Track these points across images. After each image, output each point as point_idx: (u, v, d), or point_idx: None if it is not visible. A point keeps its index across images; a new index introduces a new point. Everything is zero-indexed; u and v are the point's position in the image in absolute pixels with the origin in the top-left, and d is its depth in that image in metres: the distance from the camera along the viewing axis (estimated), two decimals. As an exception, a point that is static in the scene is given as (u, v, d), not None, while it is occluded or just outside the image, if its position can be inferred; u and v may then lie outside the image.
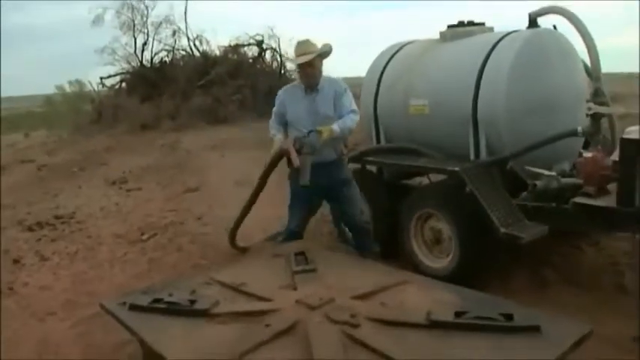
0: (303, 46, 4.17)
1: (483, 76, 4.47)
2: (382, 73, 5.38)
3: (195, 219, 6.85)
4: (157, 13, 19.97)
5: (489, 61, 4.48)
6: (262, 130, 13.34)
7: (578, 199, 4.04)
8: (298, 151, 3.99)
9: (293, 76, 18.61)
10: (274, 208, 6.72)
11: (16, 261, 5.73)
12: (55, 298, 4.79)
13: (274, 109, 4.49)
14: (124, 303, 3.16)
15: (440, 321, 2.66)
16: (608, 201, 3.95)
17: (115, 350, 3.72)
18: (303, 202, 4.55)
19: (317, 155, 4.07)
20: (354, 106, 4.22)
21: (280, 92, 4.51)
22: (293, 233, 4.45)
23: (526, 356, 2.40)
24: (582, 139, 4.63)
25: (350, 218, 4.52)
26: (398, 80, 5.16)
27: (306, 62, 4.11)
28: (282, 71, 18.53)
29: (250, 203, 4.98)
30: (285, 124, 4.39)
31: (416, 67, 5.07)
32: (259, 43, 18.26)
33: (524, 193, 4.46)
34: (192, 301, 3.04)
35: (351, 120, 4.15)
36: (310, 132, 4.06)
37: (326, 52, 4.25)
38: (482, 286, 3.55)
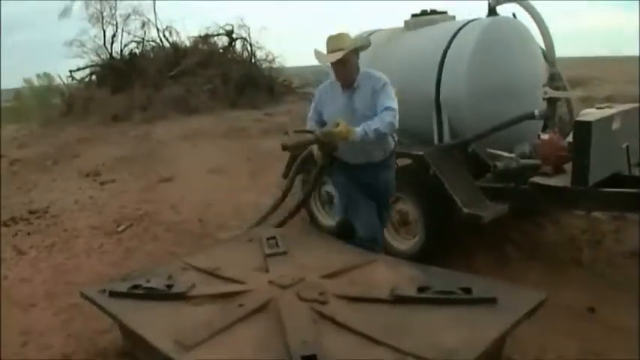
0: (333, 42, 3.72)
1: (445, 63, 4.66)
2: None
3: (169, 208, 6.93)
4: (125, 4, 19.79)
5: (451, 49, 4.67)
6: (233, 119, 13.56)
7: (536, 179, 4.25)
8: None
9: (264, 65, 18.69)
10: (249, 196, 6.91)
11: (-7, 256, 5.76)
12: (35, 289, 4.85)
13: (312, 104, 4.09)
14: (104, 290, 3.29)
15: (403, 296, 2.85)
16: (563, 180, 4.16)
17: (96, 337, 3.83)
18: (360, 204, 3.99)
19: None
20: (391, 103, 3.64)
21: (319, 88, 4.09)
22: (368, 241, 3.92)
23: (483, 325, 2.59)
24: (542, 122, 4.84)
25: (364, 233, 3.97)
26: (363, 65, 5.30)
27: (337, 60, 3.67)
28: (253, 60, 18.53)
29: (303, 202, 4.96)
30: (323, 123, 3.91)
31: (381, 56, 5.20)
32: (229, 33, 18.23)
33: (489, 174, 4.68)
34: (170, 286, 3.19)
35: (381, 120, 3.57)
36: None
37: (362, 46, 3.87)
38: (447, 265, 3.71)
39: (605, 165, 4.08)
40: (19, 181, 9.38)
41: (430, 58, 4.75)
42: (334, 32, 3.77)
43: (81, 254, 5.68)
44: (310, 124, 4.00)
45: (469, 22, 4.84)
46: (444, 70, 4.65)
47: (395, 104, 3.67)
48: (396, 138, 4.02)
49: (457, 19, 5.29)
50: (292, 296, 2.88)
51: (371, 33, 5.61)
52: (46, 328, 4.10)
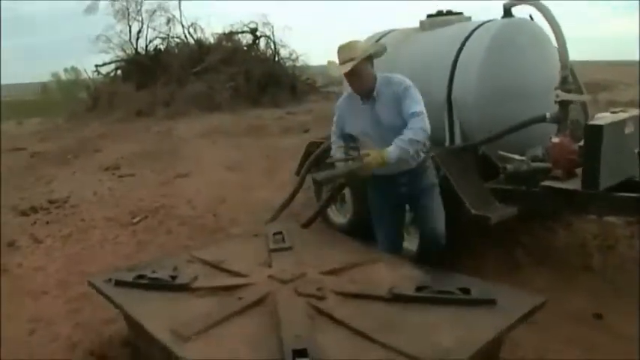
0: (343, 53, 3.46)
1: (458, 64, 4.65)
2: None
3: (185, 203, 7.02)
4: (150, 0, 20.08)
5: (464, 50, 4.66)
6: (255, 117, 13.67)
7: (547, 182, 4.21)
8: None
9: (287, 64, 18.77)
10: (264, 192, 6.97)
11: (10, 244, 5.89)
12: (48, 278, 4.97)
13: (334, 118, 3.82)
14: (110, 280, 3.35)
15: (401, 294, 2.85)
16: (574, 184, 4.12)
17: (103, 326, 3.91)
18: (385, 215, 3.83)
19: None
20: (416, 107, 3.35)
21: (340, 101, 3.81)
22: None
23: (479, 326, 2.58)
24: (557, 125, 4.80)
25: (430, 231, 3.75)
26: (378, 68, 5.31)
27: (349, 70, 3.41)
28: (276, 58, 18.62)
29: (319, 212, 5.14)
30: (347, 137, 3.71)
31: (396, 55, 5.21)
32: (253, 31, 18.35)
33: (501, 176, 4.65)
34: (174, 277, 3.23)
35: (412, 129, 3.31)
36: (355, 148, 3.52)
37: (376, 52, 3.60)
38: (455, 267, 3.66)
39: (617, 170, 4.03)
40: (38, 173, 9.57)
41: (443, 59, 4.75)
42: (348, 38, 3.53)
43: (96, 245, 5.81)
44: (334, 140, 3.79)
45: (483, 23, 4.83)
46: (456, 72, 4.65)
47: (421, 107, 3.38)
48: (428, 142, 3.63)
49: (473, 20, 5.26)
50: (291, 291, 2.90)
51: (386, 33, 5.62)
52: (56, 316, 4.21)
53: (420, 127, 3.31)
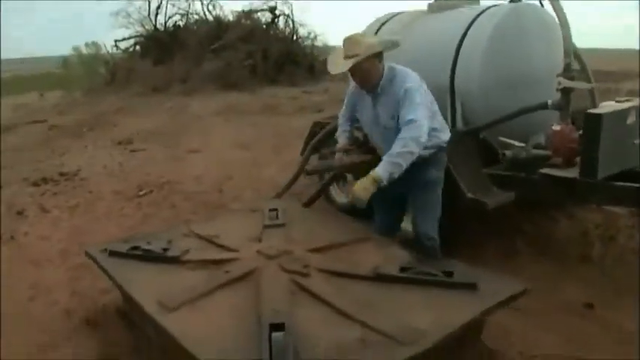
0: (347, 47, 3.27)
1: (462, 48, 4.60)
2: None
3: (192, 178, 7.09)
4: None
5: (468, 35, 4.61)
6: (270, 95, 13.64)
7: (545, 170, 4.20)
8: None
9: (306, 43, 18.71)
10: (270, 170, 7.03)
11: (19, 213, 6.01)
12: (51, 247, 5.07)
13: (345, 99, 3.73)
14: (105, 250, 3.44)
15: (384, 274, 2.89)
16: (573, 172, 4.09)
17: (100, 295, 4.00)
18: (385, 201, 3.62)
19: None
20: (412, 114, 3.14)
21: (349, 88, 3.70)
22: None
23: (456, 309, 2.61)
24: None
25: (414, 228, 3.62)
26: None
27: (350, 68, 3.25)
28: (295, 37, 18.55)
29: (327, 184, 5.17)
30: (354, 120, 3.69)
31: (402, 38, 5.19)
32: (272, 9, 18.29)
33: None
34: (166, 249, 3.30)
35: (402, 139, 3.11)
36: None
37: (386, 49, 3.39)
38: (454, 254, 3.65)
39: (617, 159, 3.99)
40: (54, 145, 9.71)
41: (448, 43, 4.70)
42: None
43: (101, 216, 5.90)
44: (342, 122, 3.74)
45: (490, 7, 4.77)
46: (459, 56, 4.60)
47: (417, 113, 3.15)
48: (445, 136, 3.53)
49: (481, 3, 5.21)
50: (276, 267, 2.95)
51: (394, 15, 5.58)
52: (55, 284, 4.30)
53: (410, 136, 3.10)
